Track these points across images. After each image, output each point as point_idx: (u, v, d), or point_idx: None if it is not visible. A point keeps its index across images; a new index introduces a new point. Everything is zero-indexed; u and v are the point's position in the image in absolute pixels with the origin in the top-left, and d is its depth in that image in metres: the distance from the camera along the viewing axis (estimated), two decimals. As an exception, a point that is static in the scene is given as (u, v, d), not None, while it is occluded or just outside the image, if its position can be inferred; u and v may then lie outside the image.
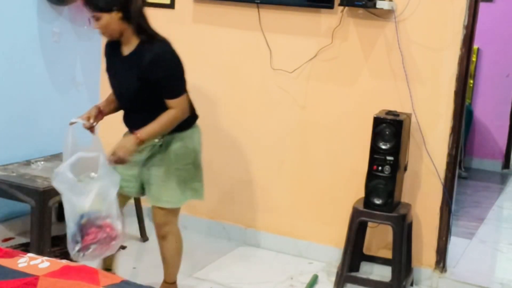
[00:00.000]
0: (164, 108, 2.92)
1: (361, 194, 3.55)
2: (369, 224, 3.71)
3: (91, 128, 2.96)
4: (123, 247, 3.94)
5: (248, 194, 4.14)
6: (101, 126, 3.06)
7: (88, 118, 2.96)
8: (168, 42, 2.97)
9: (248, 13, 3.97)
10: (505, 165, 6.68)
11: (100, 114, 3.03)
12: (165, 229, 3.10)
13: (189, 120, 3.07)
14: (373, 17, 3.66)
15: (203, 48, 4.16)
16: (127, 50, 2.92)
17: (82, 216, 2.77)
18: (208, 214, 4.27)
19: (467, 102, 5.41)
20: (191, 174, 3.10)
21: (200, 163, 3.16)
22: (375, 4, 3.50)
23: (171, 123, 2.93)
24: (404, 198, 3.65)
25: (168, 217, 3.09)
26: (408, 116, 3.55)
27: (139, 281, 2.18)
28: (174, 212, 3.12)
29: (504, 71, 6.45)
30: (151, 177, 3.03)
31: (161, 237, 3.13)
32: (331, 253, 3.87)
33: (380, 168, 3.43)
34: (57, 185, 2.79)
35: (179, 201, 3.09)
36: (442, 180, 3.61)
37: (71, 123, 2.87)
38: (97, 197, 2.80)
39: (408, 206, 3.61)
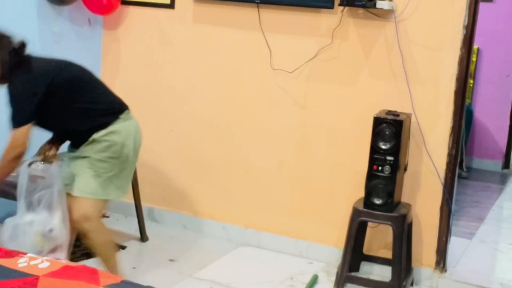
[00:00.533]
0: (62, 117, 2.97)
1: (361, 194, 3.55)
2: (369, 224, 3.70)
3: (50, 161, 3.05)
4: (123, 247, 3.94)
5: (248, 194, 4.14)
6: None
7: (42, 154, 3.06)
8: (23, 72, 2.89)
9: (248, 13, 3.97)
10: (505, 165, 6.68)
11: (53, 145, 3.11)
12: (85, 226, 2.96)
13: (111, 115, 3.02)
14: (373, 17, 3.66)
15: (203, 48, 4.16)
16: None
17: None
18: (208, 214, 4.27)
19: (467, 102, 5.41)
20: (115, 169, 2.99)
21: (129, 160, 3.05)
22: (375, 4, 3.50)
23: (4, 156, 2.89)
24: (404, 198, 3.65)
25: (87, 211, 2.95)
26: (408, 116, 3.55)
27: (139, 281, 2.18)
28: (95, 206, 2.98)
29: (504, 71, 6.45)
30: (75, 167, 2.99)
31: (83, 235, 2.99)
32: (331, 253, 3.87)
33: (380, 168, 3.43)
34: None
35: (97, 193, 2.96)
36: (442, 180, 3.60)
37: (29, 164, 2.98)
38: (37, 236, 2.86)
39: (408, 206, 3.61)
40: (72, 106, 2.97)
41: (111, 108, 3.07)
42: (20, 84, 2.85)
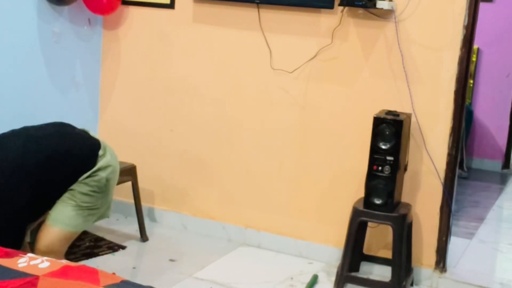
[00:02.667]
0: None
1: (361, 194, 3.55)
2: (369, 224, 3.70)
3: None
4: (123, 247, 3.94)
5: (248, 194, 4.14)
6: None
7: None
8: None
9: (248, 13, 3.97)
10: (505, 165, 6.68)
11: None
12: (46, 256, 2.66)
13: (91, 158, 2.82)
14: (373, 17, 3.66)
15: (203, 48, 4.16)
16: None
17: None
18: (208, 214, 4.27)
19: (467, 102, 5.41)
20: (98, 202, 2.83)
21: (110, 190, 2.91)
22: (375, 4, 3.51)
23: None
24: (404, 198, 3.65)
25: (55, 243, 2.74)
26: (408, 116, 3.55)
27: (139, 281, 2.19)
28: (65, 238, 2.77)
29: (504, 71, 6.45)
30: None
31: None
32: (331, 253, 3.87)
33: (380, 168, 3.43)
34: None
35: (74, 226, 2.77)
36: (442, 180, 3.61)
37: None
38: None
39: (408, 206, 3.61)
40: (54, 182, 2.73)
41: (88, 154, 2.84)
42: None
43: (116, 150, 3.06)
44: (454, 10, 3.49)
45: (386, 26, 3.64)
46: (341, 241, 3.62)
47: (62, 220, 2.75)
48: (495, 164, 6.66)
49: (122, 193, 4.18)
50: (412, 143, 3.63)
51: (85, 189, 2.78)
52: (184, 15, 4.18)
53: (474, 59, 6.34)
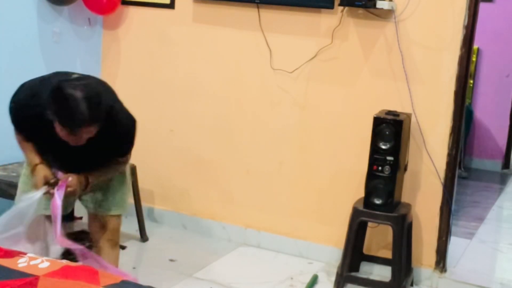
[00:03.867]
0: None
1: (361, 194, 3.55)
2: (369, 224, 3.70)
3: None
4: (123, 247, 3.94)
5: (248, 194, 4.14)
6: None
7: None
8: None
9: (248, 13, 3.97)
10: (505, 165, 6.68)
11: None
12: (118, 235, 2.98)
13: None
14: (373, 17, 3.66)
15: (203, 48, 4.16)
16: None
17: None
18: (208, 214, 4.27)
19: (467, 102, 5.41)
20: (128, 178, 3.02)
21: None
22: (375, 4, 3.51)
23: None
24: (404, 198, 3.65)
25: (119, 224, 2.98)
26: (408, 116, 3.55)
27: (139, 281, 2.18)
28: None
29: (504, 71, 6.45)
30: (113, 185, 2.90)
31: (114, 244, 2.96)
32: (331, 253, 3.87)
33: (380, 168, 3.43)
34: None
35: (127, 208, 3.00)
36: (442, 180, 3.61)
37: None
38: None
39: (408, 206, 3.61)
40: None
41: None
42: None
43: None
44: (454, 10, 3.49)
45: (386, 26, 3.64)
46: (341, 241, 3.62)
47: (121, 205, 2.92)
48: (495, 164, 6.66)
49: (122, 193, 4.18)
50: (412, 143, 3.63)
51: (127, 167, 2.95)
52: (184, 15, 4.18)
53: (474, 59, 6.34)
